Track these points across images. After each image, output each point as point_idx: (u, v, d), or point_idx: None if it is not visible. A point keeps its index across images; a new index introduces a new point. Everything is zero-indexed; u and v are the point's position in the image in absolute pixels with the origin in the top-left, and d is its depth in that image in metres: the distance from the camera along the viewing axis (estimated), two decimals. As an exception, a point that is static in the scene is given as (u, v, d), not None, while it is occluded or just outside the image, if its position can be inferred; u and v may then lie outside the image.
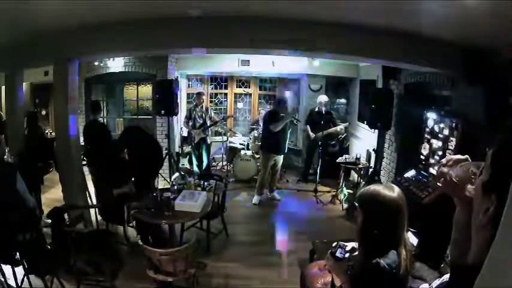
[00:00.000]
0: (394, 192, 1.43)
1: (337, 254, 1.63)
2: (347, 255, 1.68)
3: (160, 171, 5.25)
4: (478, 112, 2.98)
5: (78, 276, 2.85)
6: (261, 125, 5.53)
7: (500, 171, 0.57)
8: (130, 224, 3.69)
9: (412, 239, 2.20)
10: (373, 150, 4.84)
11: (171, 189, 3.38)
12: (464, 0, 2.04)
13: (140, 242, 2.44)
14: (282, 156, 5.22)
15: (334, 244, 1.69)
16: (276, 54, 4.90)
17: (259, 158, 5.70)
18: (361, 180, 5.51)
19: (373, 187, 1.47)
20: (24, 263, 2.61)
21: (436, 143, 3.50)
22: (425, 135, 3.71)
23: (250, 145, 6.29)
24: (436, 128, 3.52)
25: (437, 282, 1.13)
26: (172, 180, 5.38)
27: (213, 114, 6.06)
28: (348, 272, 1.56)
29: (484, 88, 2.98)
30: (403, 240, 1.45)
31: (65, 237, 2.76)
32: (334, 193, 5.38)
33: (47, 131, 6.34)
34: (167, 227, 3.32)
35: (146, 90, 6.37)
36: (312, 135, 5.85)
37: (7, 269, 2.66)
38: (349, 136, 6.49)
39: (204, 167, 6.05)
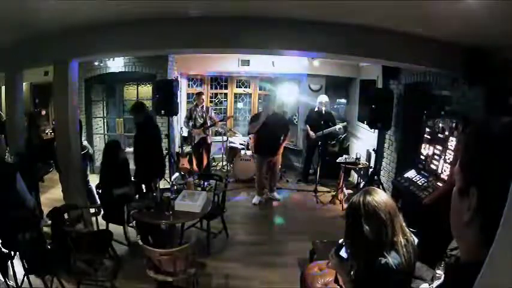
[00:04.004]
0: (370, 196, 1.50)
1: (341, 253, 1.62)
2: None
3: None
4: (478, 112, 2.98)
5: (78, 276, 2.85)
6: None
7: (472, 174, 0.58)
8: (131, 224, 3.69)
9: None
10: (373, 150, 4.84)
11: (171, 189, 3.38)
12: (464, 0, 2.04)
13: (140, 242, 2.45)
14: (278, 156, 5.14)
15: (340, 241, 1.69)
16: (277, 54, 4.90)
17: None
18: (361, 180, 5.51)
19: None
20: (24, 263, 2.61)
21: (436, 143, 3.50)
22: (425, 135, 3.71)
23: (250, 145, 6.29)
24: (436, 128, 3.52)
25: (437, 282, 1.14)
26: (172, 180, 5.38)
27: (213, 114, 6.06)
28: (352, 272, 1.57)
29: (484, 88, 2.98)
30: (398, 239, 1.46)
31: (65, 237, 2.76)
32: (334, 193, 5.38)
33: (46, 131, 6.35)
34: (167, 227, 3.33)
35: (146, 90, 6.37)
36: (312, 135, 5.85)
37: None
38: (349, 136, 6.49)
39: (204, 167, 6.05)
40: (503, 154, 0.53)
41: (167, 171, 5.61)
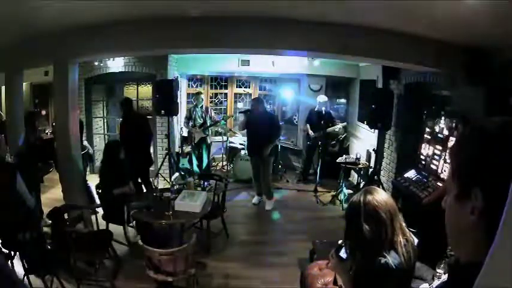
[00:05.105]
0: (370, 195, 1.51)
1: (341, 253, 1.62)
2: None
3: (160, 172, 5.27)
4: (478, 112, 2.98)
5: (78, 276, 2.85)
6: None
7: (473, 176, 0.57)
8: (131, 224, 3.69)
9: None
10: (373, 150, 4.84)
11: (171, 189, 3.38)
12: (464, 0, 2.04)
13: (140, 242, 2.44)
14: (265, 159, 4.79)
15: (339, 242, 1.69)
16: (277, 54, 4.90)
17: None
18: (361, 180, 5.51)
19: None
20: (24, 263, 2.61)
21: (436, 143, 3.50)
22: (425, 135, 3.71)
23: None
24: (436, 128, 3.53)
25: (437, 282, 1.14)
26: (172, 180, 5.38)
27: (213, 114, 6.06)
28: (351, 272, 1.57)
29: (484, 88, 2.98)
30: (398, 239, 1.46)
31: (65, 237, 2.77)
32: (334, 193, 5.38)
33: (46, 131, 6.35)
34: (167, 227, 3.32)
35: (146, 90, 6.37)
36: (312, 135, 5.85)
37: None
38: (349, 136, 6.49)
39: (204, 167, 6.05)
40: (503, 152, 0.53)
41: (167, 171, 5.62)
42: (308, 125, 5.95)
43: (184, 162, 6.13)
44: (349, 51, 3.33)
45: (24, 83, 4.82)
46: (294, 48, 3.46)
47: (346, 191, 5.14)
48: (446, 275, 0.99)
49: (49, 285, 2.72)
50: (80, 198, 3.87)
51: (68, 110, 3.77)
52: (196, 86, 7.22)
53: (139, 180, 4.54)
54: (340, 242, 1.69)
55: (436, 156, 3.49)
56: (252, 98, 6.42)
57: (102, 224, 3.51)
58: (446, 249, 1.97)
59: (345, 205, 4.92)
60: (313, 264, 2.54)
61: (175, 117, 5.90)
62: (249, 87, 7.35)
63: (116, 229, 3.51)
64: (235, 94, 7.45)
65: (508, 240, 0.45)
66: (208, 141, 6.07)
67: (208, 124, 5.88)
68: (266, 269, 3.39)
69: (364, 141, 5.88)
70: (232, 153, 6.42)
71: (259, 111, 4.80)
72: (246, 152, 5.41)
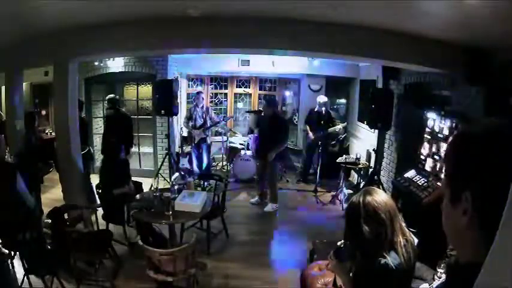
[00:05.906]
0: (370, 196, 1.51)
1: (341, 254, 1.62)
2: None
3: (160, 172, 5.27)
4: (478, 112, 2.98)
5: (78, 276, 2.85)
6: None
7: (464, 179, 0.58)
8: (130, 224, 3.69)
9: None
10: (373, 150, 4.84)
11: (171, 189, 3.38)
12: (465, 0, 2.04)
13: (140, 242, 2.44)
14: (270, 163, 4.71)
15: (339, 243, 1.69)
16: (277, 54, 4.89)
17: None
18: (361, 180, 5.51)
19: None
20: (24, 263, 2.61)
21: (436, 143, 3.50)
22: (425, 135, 3.71)
23: (250, 145, 6.29)
24: (436, 128, 3.53)
25: (437, 282, 1.14)
26: (172, 180, 5.38)
27: (213, 114, 6.05)
28: (351, 273, 1.57)
29: (484, 88, 2.98)
30: (398, 239, 1.46)
31: (65, 237, 2.77)
32: (334, 193, 5.37)
33: (46, 131, 6.35)
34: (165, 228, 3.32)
35: (146, 90, 6.37)
36: (312, 135, 5.85)
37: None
38: (349, 136, 6.49)
39: (204, 167, 6.05)
40: (491, 155, 0.54)
41: (167, 171, 5.62)
42: (308, 126, 5.95)
43: (184, 162, 6.12)
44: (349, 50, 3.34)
45: (24, 83, 4.82)
46: (294, 49, 3.46)
47: (346, 191, 5.14)
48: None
49: (49, 285, 2.72)
50: (80, 198, 3.87)
51: (67, 110, 3.77)
52: (196, 86, 7.22)
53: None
54: (339, 243, 1.69)
55: (436, 156, 3.49)
56: (266, 98, 6.15)
57: (102, 224, 3.51)
58: (446, 249, 1.97)
59: (345, 205, 4.92)
60: (313, 264, 2.54)
61: (175, 117, 5.90)
62: (249, 87, 7.35)
63: (116, 229, 3.51)
64: (235, 94, 7.45)
65: (508, 240, 0.46)
66: (208, 142, 6.07)
67: (209, 125, 5.88)
68: (266, 269, 3.39)
69: (364, 141, 5.88)
70: (232, 153, 6.42)
71: (270, 113, 4.76)
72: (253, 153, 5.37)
